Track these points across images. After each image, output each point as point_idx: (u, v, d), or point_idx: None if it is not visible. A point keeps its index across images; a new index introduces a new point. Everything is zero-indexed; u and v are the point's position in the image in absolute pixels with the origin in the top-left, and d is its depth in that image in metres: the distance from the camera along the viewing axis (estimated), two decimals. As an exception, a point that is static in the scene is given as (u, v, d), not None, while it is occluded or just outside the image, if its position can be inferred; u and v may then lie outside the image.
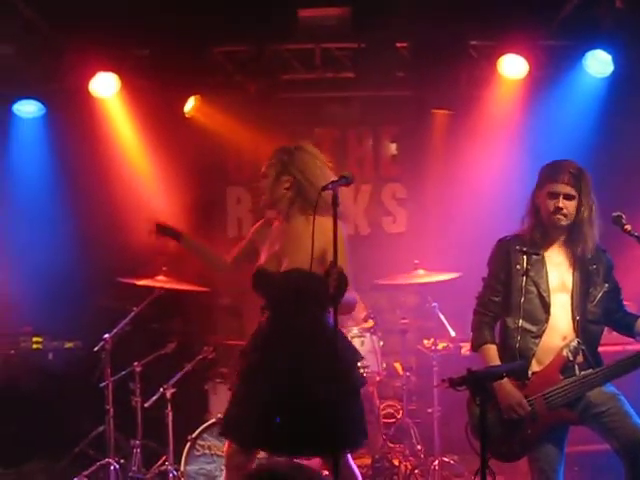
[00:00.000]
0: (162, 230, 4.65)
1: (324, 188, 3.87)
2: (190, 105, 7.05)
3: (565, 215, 4.19)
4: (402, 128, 7.65)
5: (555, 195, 4.18)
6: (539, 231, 4.27)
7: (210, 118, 7.34)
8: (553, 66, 6.82)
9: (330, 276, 3.74)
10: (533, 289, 4.23)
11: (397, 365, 6.69)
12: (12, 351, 6.96)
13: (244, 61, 7.07)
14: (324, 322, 4.27)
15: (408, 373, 6.46)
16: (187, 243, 4.70)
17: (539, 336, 4.20)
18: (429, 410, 6.13)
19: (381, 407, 6.57)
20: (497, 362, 4.22)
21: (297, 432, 4.15)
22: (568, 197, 4.17)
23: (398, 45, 6.85)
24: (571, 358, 4.16)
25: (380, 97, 7.32)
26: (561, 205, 4.17)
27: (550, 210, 4.20)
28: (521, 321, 4.22)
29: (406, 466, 6.16)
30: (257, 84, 6.95)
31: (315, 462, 4.44)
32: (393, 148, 7.74)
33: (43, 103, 7.10)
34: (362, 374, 4.72)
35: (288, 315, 4.30)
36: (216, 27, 6.64)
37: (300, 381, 4.19)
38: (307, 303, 4.26)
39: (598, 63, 6.60)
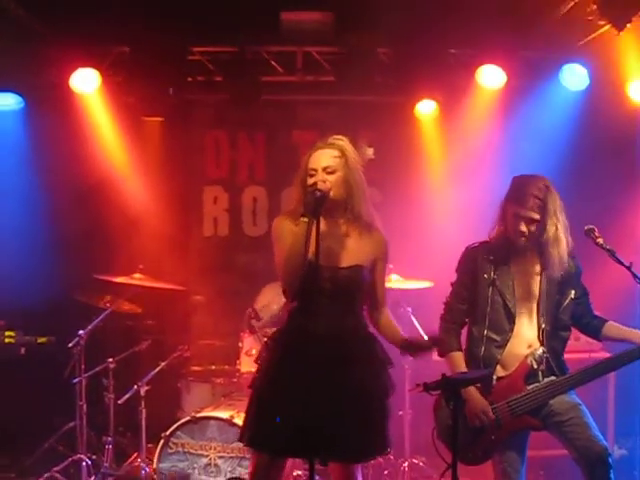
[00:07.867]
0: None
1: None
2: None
3: (526, 237, 4.24)
4: (379, 133, 7.69)
5: (519, 218, 4.22)
6: (507, 240, 4.32)
7: (188, 117, 7.37)
8: (530, 77, 6.90)
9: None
10: (499, 299, 4.29)
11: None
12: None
13: (225, 62, 7.08)
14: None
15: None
16: None
17: (503, 345, 4.28)
18: (400, 412, 6.16)
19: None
20: (463, 369, 4.29)
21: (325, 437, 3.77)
22: (531, 221, 4.22)
23: (379, 50, 6.91)
24: (535, 366, 4.25)
25: (359, 102, 7.36)
26: (524, 229, 4.22)
27: (514, 230, 4.25)
28: (486, 330, 4.30)
29: (376, 467, 6.19)
30: (237, 85, 6.95)
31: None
32: (370, 152, 7.77)
33: (22, 96, 7.07)
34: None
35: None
36: (198, 26, 6.62)
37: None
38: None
39: (574, 76, 6.70)
